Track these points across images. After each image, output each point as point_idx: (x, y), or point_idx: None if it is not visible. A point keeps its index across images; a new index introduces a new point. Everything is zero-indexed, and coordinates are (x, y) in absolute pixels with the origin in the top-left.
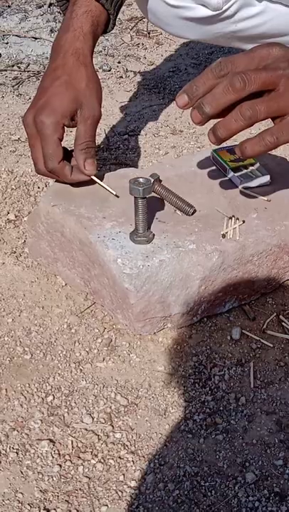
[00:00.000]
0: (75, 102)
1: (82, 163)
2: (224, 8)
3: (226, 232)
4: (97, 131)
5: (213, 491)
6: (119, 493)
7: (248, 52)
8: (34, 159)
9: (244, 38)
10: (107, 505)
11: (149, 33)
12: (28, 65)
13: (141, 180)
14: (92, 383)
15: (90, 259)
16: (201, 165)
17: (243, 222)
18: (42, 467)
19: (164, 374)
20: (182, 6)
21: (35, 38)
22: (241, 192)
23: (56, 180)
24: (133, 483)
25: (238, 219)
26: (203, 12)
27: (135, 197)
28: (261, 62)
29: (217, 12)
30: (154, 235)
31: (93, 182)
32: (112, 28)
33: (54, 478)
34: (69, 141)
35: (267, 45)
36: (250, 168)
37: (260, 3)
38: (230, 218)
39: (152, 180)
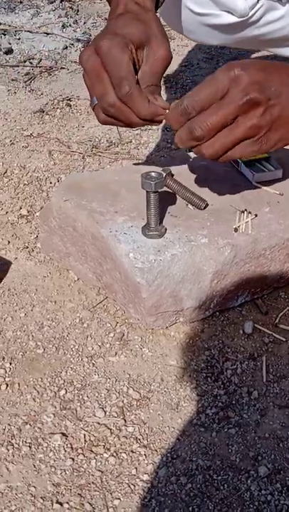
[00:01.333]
0: (144, 34)
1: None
2: (250, 14)
3: (238, 226)
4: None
5: (225, 485)
6: (132, 487)
7: (212, 83)
8: (100, 93)
9: (266, 41)
10: (119, 498)
11: None
12: (40, 60)
13: (153, 174)
14: (105, 377)
15: (102, 253)
16: None
17: (256, 215)
18: (54, 461)
19: (177, 368)
20: (208, 13)
21: (47, 34)
22: (254, 186)
23: (119, 125)
24: (145, 477)
25: (250, 213)
26: (230, 19)
27: (147, 191)
28: (225, 92)
29: (243, 19)
30: (166, 229)
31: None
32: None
33: (67, 472)
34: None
35: (232, 72)
36: (263, 162)
37: (283, 7)
38: (243, 212)
39: (164, 174)
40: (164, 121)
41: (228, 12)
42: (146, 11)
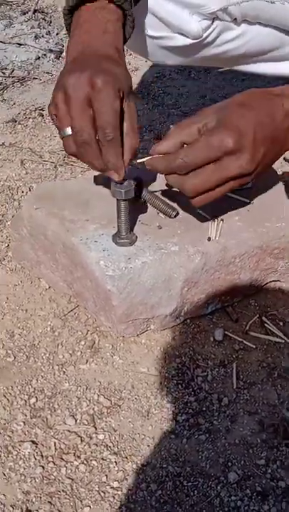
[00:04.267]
0: (128, 86)
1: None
2: (204, 35)
3: (211, 235)
4: None
5: (195, 491)
6: (102, 494)
7: (207, 149)
8: (80, 127)
9: (225, 59)
10: (89, 506)
11: None
12: (13, 70)
13: (123, 182)
14: (75, 385)
15: (72, 261)
16: None
17: (222, 221)
18: (24, 469)
19: (147, 375)
20: (162, 36)
21: (20, 44)
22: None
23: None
24: (116, 484)
25: (222, 220)
26: (184, 41)
27: (118, 199)
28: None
29: (197, 40)
30: (136, 237)
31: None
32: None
33: (37, 480)
34: None
35: (226, 142)
36: None
37: (239, 26)
38: (213, 220)
39: (135, 182)
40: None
41: (182, 34)
42: (122, 57)
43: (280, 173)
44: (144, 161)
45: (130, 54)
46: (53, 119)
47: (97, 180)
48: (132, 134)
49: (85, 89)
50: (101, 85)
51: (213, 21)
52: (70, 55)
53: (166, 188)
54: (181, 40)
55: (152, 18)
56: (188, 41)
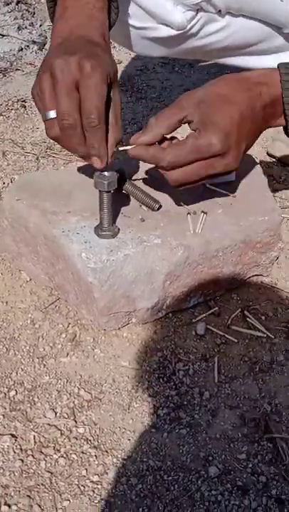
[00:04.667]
0: (114, 74)
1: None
2: (188, 26)
3: (193, 228)
4: None
5: (176, 485)
6: (82, 488)
7: (195, 149)
8: (65, 110)
9: (209, 51)
10: (69, 500)
11: None
12: None
13: (106, 174)
14: (56, 378)
15: (54, 253)
16: None
17: (206, 214)
18: (3, 462)
19: (129, 369)
20: (146, 27)
21: (3, 35)
22: (207, 188)
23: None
24: (95, 478)
25: (205, 213)
26: (168, 32)
27: (100, 191)
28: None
29: (181, 31)
30: (119, 229)
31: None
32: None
33: (16, 474)
34: None
35: (214, 145)
36: None
37: (223, 18)
38: (195, 213)
39: (117, 174)
40: None
41: (166, 25)
42: (108, 45)
43: (263, 168)
44: (127, 150)
45: (114, 46)
46: (36, 101)
47: (79, 172)
48: (116, 122)
49: (73, 73)
50: (90, 70)
51: (197, 12)
52: (56, 40)
53: (148, 180)
54: (165, 31)
55: (136, 8)
56: (173, 32)
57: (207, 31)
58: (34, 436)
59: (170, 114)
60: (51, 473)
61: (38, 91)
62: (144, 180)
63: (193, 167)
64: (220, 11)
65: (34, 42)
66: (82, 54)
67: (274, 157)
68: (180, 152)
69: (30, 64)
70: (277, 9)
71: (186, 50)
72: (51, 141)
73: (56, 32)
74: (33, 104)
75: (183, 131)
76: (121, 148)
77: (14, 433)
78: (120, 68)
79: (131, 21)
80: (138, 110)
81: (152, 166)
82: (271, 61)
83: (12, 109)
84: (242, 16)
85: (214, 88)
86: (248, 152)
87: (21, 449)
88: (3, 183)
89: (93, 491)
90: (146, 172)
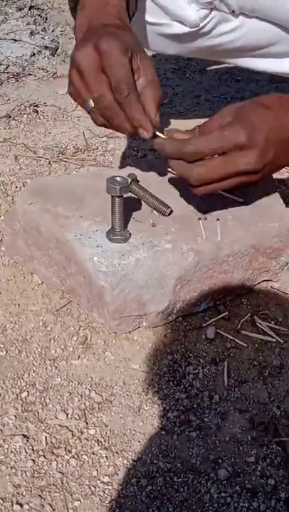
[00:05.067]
0: (137, 44)
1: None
2: (201, 25)
3: (204, 234)
4: (76, 132)
5: (185, 487)
6: (92, 489)
7: (219, 140)
8: (98, 94)
9: (222, 51)
10: (80, 500)
11: None
12: (8, 66)
13: (118, 179)
14: (67, 380)
15: (66, 257)
16: None
17: (218, 220)
18: (15, 462)
19: (139, 372)
20: (160, 23)
21: (15, 40)
22: (218, 193)
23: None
24: (106, 479)
25: (218, 220)
26: (181, 29)
27: (112, 196)
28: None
29: (194, 29)
30: (130, 234)
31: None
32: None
33: (27, 474)
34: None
35: (240, 138)
36: None
37: (236, 19)
38: (206, 219)
39: (129, 179)
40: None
41: (180, 22)
42: (128, 25)
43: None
44: (157, 140)
45: None
46: (74, 99)
47: (91, 177)
48: (151, 85)
49: (93, 57)
50: (106, 48)
51: (211, 11)
52: (77, 36)
53: (160, 185)
54: (179, 28)
55: (151, 4)
56: (186, 29)
57: (220, 31)
58: (46, 437)
59: (211, 127)
60: (62, 473)
61: (72, 89)
62: (156, 186)
63: (213, 160)
64: (233, 11)
65: (46, 47)
66: (97, 37)
67: None
68: (203, 138)
69: (43, 69)
70: None
71: (198, 48)
72: (63, 145)
73: (77, 29)
74: (45, 109)
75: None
76: (158, 133)
77: (26, 433)
78: None
79: (146, 17)
80: None
81: (164, 171)
82: (283, 65)
83: (24, 114)
84: (255, 18)
85: (256, 98)
86: None
87: (33, 450)
88: (16, 187)
89: (104, 492)
90: (158, 177)
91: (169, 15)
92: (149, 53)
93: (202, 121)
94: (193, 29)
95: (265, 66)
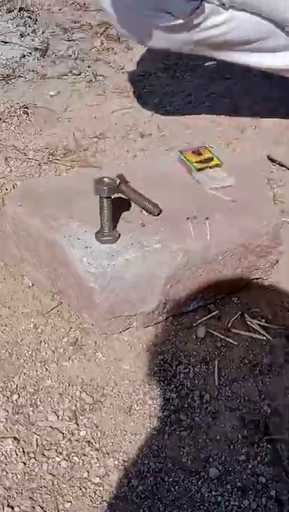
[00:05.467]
0: None
1: None
2: (191, 17)
3: (196, 234)
4: (66, 133)
5: (176, 487)
6: (83, 490)
7: None
8: None
9: (213, 45)
10: (70, 501)
11: (119, 38)
12: None
13: (106, 180)
14: (58, 382)
15: (56, 259)
16: (168, 166)
17: (207, 219)
18: (6, 465)
19: (130, 372)
20: (152, 14)
21: (5, 42)
22: (207, 192)
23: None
24: (97, 480)
25: (207, 218)
26: (172, 21)
27: (100, 196)
28: None
29: (185, 21)
30: (119, 234)
31: None
32: None
33: (18, 476)
34: None
35: None
36: (216, 169)
37: (227, 12)
38: (195, 218)
39: (117, 180)
40: None
41: (171, 14)
42: None
43: (263, 172)
44: None
45: (116, 53)
46: None
47: (80, 178)
48: None
49: None
50: None
51: (201, 3)
52: None
53: (149, 185)
54: (170, 20)
55: None
56: (177, 21)
57: (210, 23)
58: (36, 439)
59: None
60: (53, 475)
61: None
62: (145, 186)
63: None
64: (224, 4)
65: (36, 49)
66: None
67: (274, 161)
68: None
69: (33, 71)
70: (281, 4)
71: (190, 41)
72: (53, 147)
73: None
74: (35, 110)
75: (184, 137)
76: None
77: (17, 436)
78: (122, 74)
79: (139, 8)
80: (139, 116)
81: (152, 170)
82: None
83: (14, 116)
84: (244, 11)
85: None
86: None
87: (24, 452)
88: (6, 189)
89: (95, 493)
90: (147, 177)
91: (159, 6)
92: (142, 50)
93: (193, 119)
94: (184, 21)
95: (258, 61)
